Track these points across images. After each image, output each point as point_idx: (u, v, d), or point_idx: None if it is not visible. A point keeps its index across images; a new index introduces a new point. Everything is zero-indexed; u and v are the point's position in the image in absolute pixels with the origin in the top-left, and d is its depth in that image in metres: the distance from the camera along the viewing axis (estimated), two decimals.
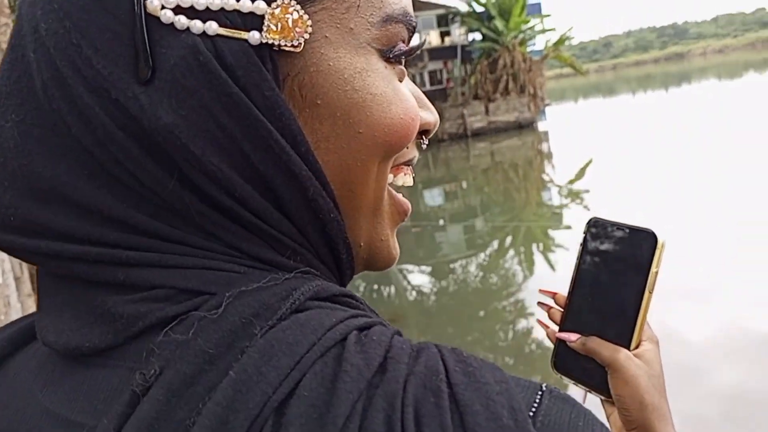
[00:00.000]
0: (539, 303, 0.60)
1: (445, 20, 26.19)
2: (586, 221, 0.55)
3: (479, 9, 21.08)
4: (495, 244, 8.62)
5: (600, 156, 12.05)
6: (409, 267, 8.52)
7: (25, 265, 3.34)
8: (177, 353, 0.26)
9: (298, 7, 0.31)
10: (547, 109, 22.96)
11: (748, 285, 5.00)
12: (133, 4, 0.29)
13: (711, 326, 4.47)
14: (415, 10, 0.37)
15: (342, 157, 0.33)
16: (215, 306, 0.28)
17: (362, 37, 0.32)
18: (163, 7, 0.29)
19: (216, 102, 0.29)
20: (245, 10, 0.30)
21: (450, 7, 25.33)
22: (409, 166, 0.40)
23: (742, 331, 4.32)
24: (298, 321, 0.27)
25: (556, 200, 9.55)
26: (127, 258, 0.29)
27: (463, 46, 25.22)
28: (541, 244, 7.76)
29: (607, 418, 0.54)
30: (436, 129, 0.40)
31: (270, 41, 0.30)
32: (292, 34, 0.30)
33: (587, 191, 9.26)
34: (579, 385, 0.54)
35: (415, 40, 0.37)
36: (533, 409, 0.27)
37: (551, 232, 7.97)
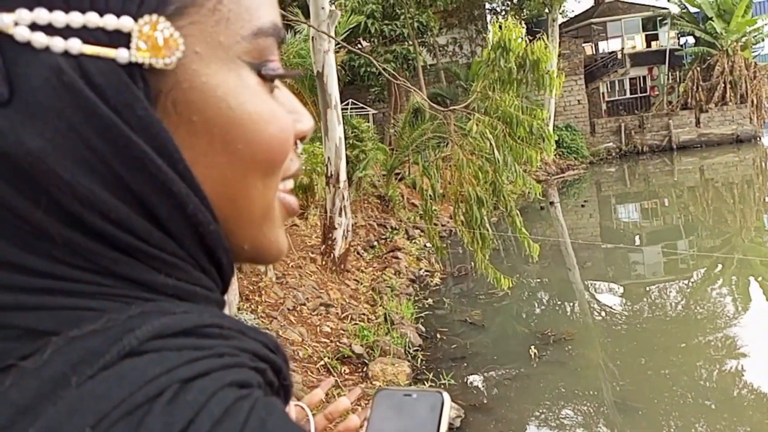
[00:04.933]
0: None
1: (652, 23, 24.10)
2: (374, 393, 0.59)
3: (693, 10, 19.16)
4: (701, 271, 7.76)
5: None
6: (597, 285, 8.04)
7: None
8: None
9: (168, 23, 0.30)
10: None
11: None
12: None
13: None
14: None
15: (222, 171, 0.33)
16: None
17: (233, 51, 0.32)
18: (16, 24, 0.27)
19: (85, 124, 0.28)
20: (110, 28, 0.28)
21: (659, 8, 23.42)
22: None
23: None
24: (120, 370, 0.26)
25: None
26: None
27: (671, 51, 23.14)
28: (760, 277, 6.84)
29: None
30: (311, 133, 0.39)
31: (139, 60, 0.29)
32: (162, 52, 0.29)
33: None
34: None
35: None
36: None
37: None
